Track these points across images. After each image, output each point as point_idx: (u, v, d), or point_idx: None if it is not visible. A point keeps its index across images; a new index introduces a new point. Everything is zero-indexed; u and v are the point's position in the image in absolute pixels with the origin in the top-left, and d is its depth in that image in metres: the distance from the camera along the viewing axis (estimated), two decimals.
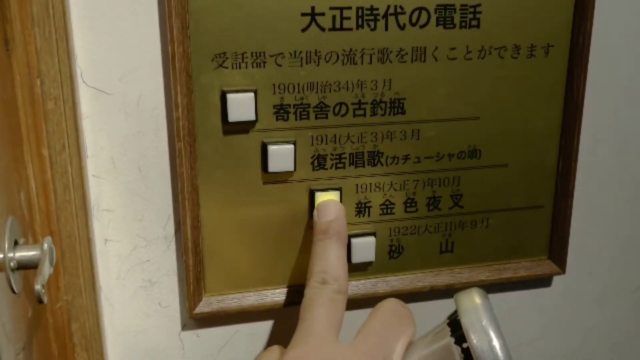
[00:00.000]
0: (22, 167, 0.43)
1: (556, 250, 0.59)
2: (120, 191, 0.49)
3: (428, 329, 0.59)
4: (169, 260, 0.52)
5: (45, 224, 0.45)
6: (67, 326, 0.47)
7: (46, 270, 0.34)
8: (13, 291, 0.35)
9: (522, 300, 0.62)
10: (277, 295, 0.54)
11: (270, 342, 0.56)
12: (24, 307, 0.39)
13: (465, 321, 0.43)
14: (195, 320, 0.54)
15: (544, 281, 0.62)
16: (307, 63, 0.49)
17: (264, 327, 0.56)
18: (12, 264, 0.35)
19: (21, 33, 0.42)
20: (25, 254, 0.36)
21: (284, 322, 0.56)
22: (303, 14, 0.48)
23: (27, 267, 0.36)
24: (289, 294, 0.54)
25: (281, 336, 0.56)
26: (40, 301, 0.33)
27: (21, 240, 0.37)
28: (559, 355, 0.66)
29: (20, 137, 0.42)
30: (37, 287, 0.33)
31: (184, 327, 0.54)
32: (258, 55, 0.48)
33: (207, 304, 0.52)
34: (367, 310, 0.56)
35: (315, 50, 0.49)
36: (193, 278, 0.51)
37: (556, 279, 0.62)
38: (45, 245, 0.36)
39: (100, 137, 0.48)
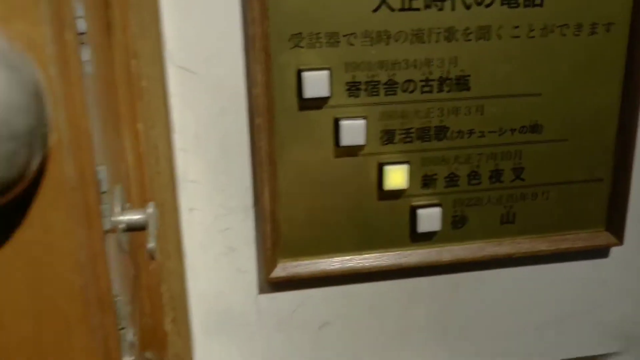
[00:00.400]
0: (120, 140, 0.46)
1: (614, 222, 0.61)
2: (204, 164, 0.53)
3: (488, 296, 0.62)
4: (247, 228, 0.56)
5: (139, 193, 0.49)
6: (157, 287, 0.52)
7: (153, 230, 0.38)
8: (123, 251, 0.39)
9: (580, 271, 0.64)
10: (346, 262, 0.57)
11: (339, 306, 0.59)
12: (128, 267, 0.43)
13: None
14: (270, 284, 0.57)
15: (601, 252, 0.64)
16: (377, 42, 0.52)
17: (334, 292, 0.59)
18: (121, 226, 0.39)
19: (120, 18, 0.45)
20: (132, 217, 0.39)
21: (353, 287, 0.59)
22: None
23: (134, 229, 0.40)
24: (357, 261, 0.57)
25: (349, 300, 0.60)
26: (152, 257, 0.37)
27: (126, 206, 0.41)
28: (614, 324, 0.68)
29: (118, 113, 0.46)
30: (151, 245, 0.36)
31: (260, 291, 0.58)
32: (332, 35, 0.51)
33: (282, 269, 0.56)
34: (431, 278, 0.59)
35: (385, 30, 0.52)
36: (270, 245, 0.55)
37: (613, 250, 0.64)
38: (150, 209, 0.39)
39: (186, 113, 0.52)
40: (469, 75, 0.55)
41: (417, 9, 0.52)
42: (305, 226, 0.56)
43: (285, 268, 0.56)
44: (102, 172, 0.33)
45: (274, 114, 0.52)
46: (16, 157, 0.27)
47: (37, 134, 0.27)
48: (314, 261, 0.57)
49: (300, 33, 0.51)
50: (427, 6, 0.52)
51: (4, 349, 0.32)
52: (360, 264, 0.58)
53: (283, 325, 0.59)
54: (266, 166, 0.53)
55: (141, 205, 0.46)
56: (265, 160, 0.53)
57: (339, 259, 0.57)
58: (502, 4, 0.53)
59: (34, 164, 0.28)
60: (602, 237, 0.62)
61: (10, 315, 0.31)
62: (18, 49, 0.27)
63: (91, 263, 0.32)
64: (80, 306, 0.32)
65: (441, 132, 0.56)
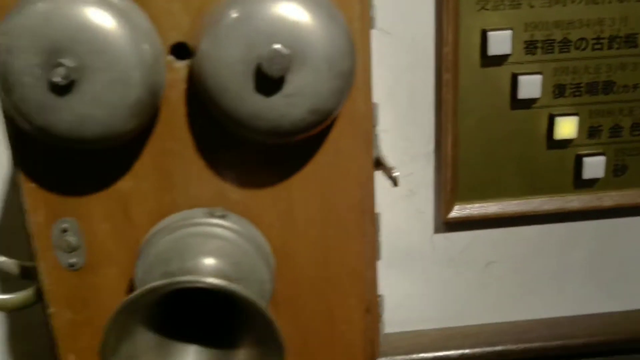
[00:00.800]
0: None
1: None
2: (394, 114, 0.60)
3: None
4: (427, 173, 0.62)
5: None
6: None
7: (387, 163, 0.45)
8: None
9: None
10: (514, 205, 0.63)
11: (505, 246, 0.66)
12: None
13: None
14: (445, 224, 0.64)
15: None
16: (555, 4, 0.57)
17: (500, 233, 0.65)
18: None
19: None
20: None
21: (518, 229, 0.65)
22: None
23: None
24: (524, 205, 0.63)
25: (514, 241, 0.66)
26: (395, 184, 0.44)
27: None
28: None
29: None
30: (397, 173, 0.43)
31: (436, 230, 0.64)
32: None
33: (458, 211, 0.63)
34: (592, 222, 0.64)
35: None
36: (449, 189, 0.61)
37: None
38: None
39: (381, 69, 0.58)
40: (637, 34, 0.59)
41: None
42: (480, 172, 0.62)
43: (461, 210, 0.63)
44: (375, 107, 0.40)
45: (459, 69, 0.58)
46: (339, 92, 0.34)
47: (351, 74, 0.35)
48: (485, 204, 0.63)
49: None
50: None
51: (296, 251, 0.40)
52: (527, 208, 0.63)
53: (453, 262, 0.66)
54: (450, 117, 0.59)
55: None
56: (450, 112, 0.59)
57: (508, 202, 0.63)
58: None
59: (344, 99, 0.35)
60: None
61: (303, 223, 0.39)
62: (336, 6, 0.34)
63: (366, 182, 0.39)
64: (357, 216, 0.40)
65: (608, 86, 0.61)
